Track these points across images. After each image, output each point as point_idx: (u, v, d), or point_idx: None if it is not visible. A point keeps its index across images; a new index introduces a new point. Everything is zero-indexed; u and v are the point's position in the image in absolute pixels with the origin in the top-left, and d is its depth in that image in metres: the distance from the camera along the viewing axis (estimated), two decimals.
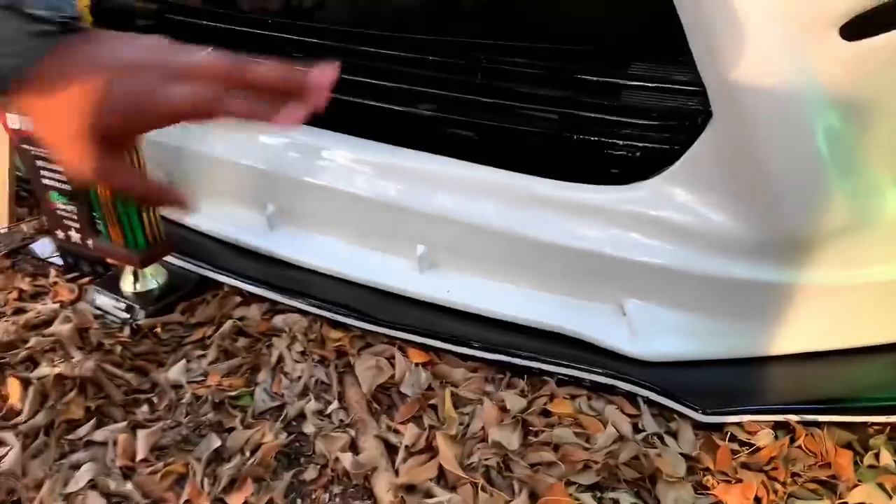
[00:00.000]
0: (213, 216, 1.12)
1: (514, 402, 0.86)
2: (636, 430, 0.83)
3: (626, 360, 0.88)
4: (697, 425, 0.83)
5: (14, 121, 1.06)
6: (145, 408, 0.88)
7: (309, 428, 0.85)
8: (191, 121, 0.45)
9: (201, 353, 0.96)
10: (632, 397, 0.87)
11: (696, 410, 0.82)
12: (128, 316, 1.00)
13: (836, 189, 0.76)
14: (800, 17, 0.68)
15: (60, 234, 1.12)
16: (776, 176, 0.76)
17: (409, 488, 0.76)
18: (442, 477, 0.78)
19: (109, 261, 1.09)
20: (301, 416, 0.87)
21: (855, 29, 0.69)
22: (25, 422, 0.84)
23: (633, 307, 0.89)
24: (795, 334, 0.86)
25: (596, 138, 0.87)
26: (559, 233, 0.89)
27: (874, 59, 0.70)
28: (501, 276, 0.96)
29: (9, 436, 0.82)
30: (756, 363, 0.88)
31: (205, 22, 1.08)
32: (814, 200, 0.77)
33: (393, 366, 0.92)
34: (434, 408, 0.87)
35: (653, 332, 0.88)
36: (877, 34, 0.69)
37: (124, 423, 0.85)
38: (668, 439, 0.81)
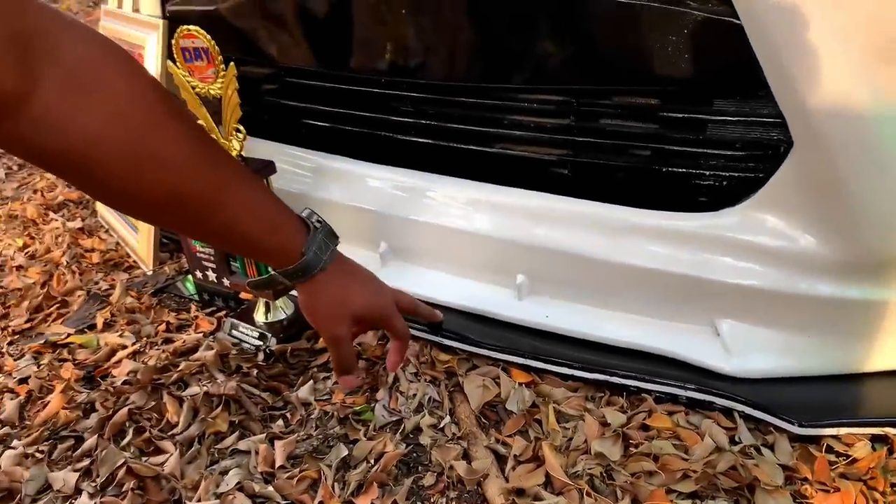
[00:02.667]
0: None
1: (614, 417, 0.92)
2: (733, 442, 0.87)
3: (721, 378, 0.93)
4: (794, 438, 0.87)
5: None
6: (280, 422, 0.99)
7: (425, 440, 0.93)
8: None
9: (326, 374, 1.07)
10: (728, 412, 0.91)
11: (791, 423, 0.86)
12: (261, 343, 1.13)
13: None
14: (872, 45, 0.74)
15: (199, 274, 1.28)
16: (858, 199, 0.80)
17: (519, 492, 0.83)
18: (549, 483, 0.85)
19: (242, 295, 1.23)
20: (417, 429, 0.95)
21: None
22: (181, 433, 0.97)
23: (726, 327, 0.94)
24: (889, 350, 0.89)
25: (684, 170, 0.94)
26: (652, 259, 0.95)
27: None
28: (598, 302, 1.03)
29: (168, 444, 0.95)
30: (851, 379, 0.91)
31: (322, 83, 1.22)
32: None
33: (498, 385, 1.00)
34: (539, 422, 0.94)
35: (747, 350, 0.93)
36: None
37: (263, 435, 0.96)
38: (764, 451, 0.85)
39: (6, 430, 1.01)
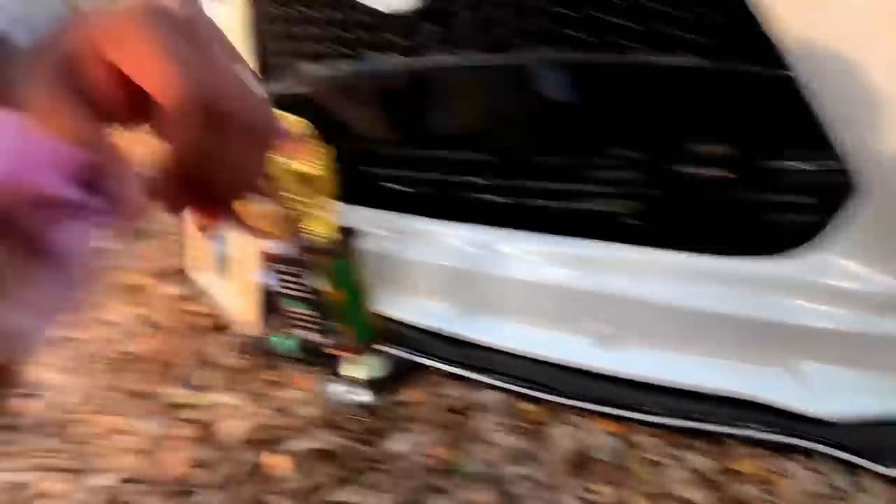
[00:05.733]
0: (417, 309, 1.32)
1: (702, 463, 0.94)
2: (822, 486, 0.88)
3: (808, 420, 0.94)
4: (887, 480, 0.87)
5: (265, 244, 1.33)
6: (377, 475, 1.05)
7: (515, 490, 0.98)
8: None
9: (421, 427, 1.13)
10: (816, 456, 0.92)
11: (884, 465, 0.86)
12: (357, 398, 1.20)
13: None
14: None
15: (295, 333, 1.37)
16: None
17: None
18: None
19: (339, 353, 1.31)
20: (507, 480, 1.00)
21: None
22: (291, 487, 1.05)
23: (809, 368, 0.95)
24: None
25: (754, 215, 0.97)
26: (728, 303, 0.98)
27: None
28: (678, 347, 1.05)
29: (275, 498, 1.03)
30: None
31: (405, 151, 1.31)
32: None
33: (586, 434, 1.03)
34: (626, 471, 0.97)
35: (832, 392, 0.94)
36: None
37: (362, 487, 1.03)
38: (857, 495, 0.86)
39: (134, 485, 1.11)
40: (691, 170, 1.00)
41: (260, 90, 0.35)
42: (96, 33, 0.32)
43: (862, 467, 0.88)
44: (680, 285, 1.02)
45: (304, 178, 1.10)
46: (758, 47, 0.84)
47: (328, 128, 1.37)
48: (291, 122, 1.06)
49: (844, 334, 0.91)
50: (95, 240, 0.31)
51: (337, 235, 1.14)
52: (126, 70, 0.32)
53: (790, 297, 0.95)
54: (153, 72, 0.31)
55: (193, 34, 0.33)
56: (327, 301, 1.20)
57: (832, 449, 0.90)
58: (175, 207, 0.35)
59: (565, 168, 1.12)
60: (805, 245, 0.93)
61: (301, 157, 1.07)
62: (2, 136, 0.27)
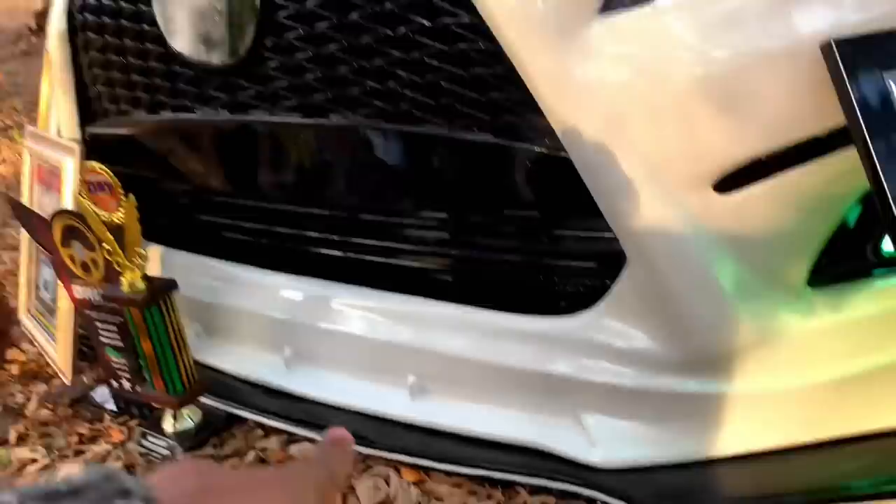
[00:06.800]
0: (238, 359, 1.31)
1: None
2: None
3: (588, 469, 1.01)
4: None
5: (79, 291, 1.29)
6: None
7: None
8: None
9: None
10: (598, 502, 0.99)
11: None
12: (168, 452, 1.17)
13: (738, 312, 0.91)
14: (677, 178, 0.86)
15: (114, 383, 1.32)
16: (683, 306, 0.91)
17: None
18: None
19: (152, 405, 1.28)
20: None
21: (725, 184, 0.87)
22: None
23: (589, 420, 1.03)
24: (733, 437, 0.98)
25: (545, 277, 1.05)
26: (520, 359, 1.04)
27: (746, 206, 0.87)
28: (479, 399, 1.11)
29: None
30: (707, 465, 1.00)
31: (234, 200, 1.31)
32: (720, 323, 0.92)
33: (388, 485, 1.06)
34: None
35: (610, 442, 1.01)
36: (745, 186, 0.86)
37: None
38: None
39: None
40: (490, 234, 1.07)
41: None
42: None
43: None
44: (481, 340, 1.08)
45: (110, 227, 1.08)
46: (540, 130, 0.93)
47: (152, 171, 1.36)
48: (94, 168, 1.04)
49: (619, 388, 0.99)
50: None
51: (148, 284, 1.13)
52: None
53: (575, 354, 1.02)
54: None
55: None
56: (140, 351, 1.18)
57: (605, 496, 0.97)
58: None
59: (382, 225, 1.16)
60: (591, 307, 1.01)
61: (105, 205, 1.06)
62: None
